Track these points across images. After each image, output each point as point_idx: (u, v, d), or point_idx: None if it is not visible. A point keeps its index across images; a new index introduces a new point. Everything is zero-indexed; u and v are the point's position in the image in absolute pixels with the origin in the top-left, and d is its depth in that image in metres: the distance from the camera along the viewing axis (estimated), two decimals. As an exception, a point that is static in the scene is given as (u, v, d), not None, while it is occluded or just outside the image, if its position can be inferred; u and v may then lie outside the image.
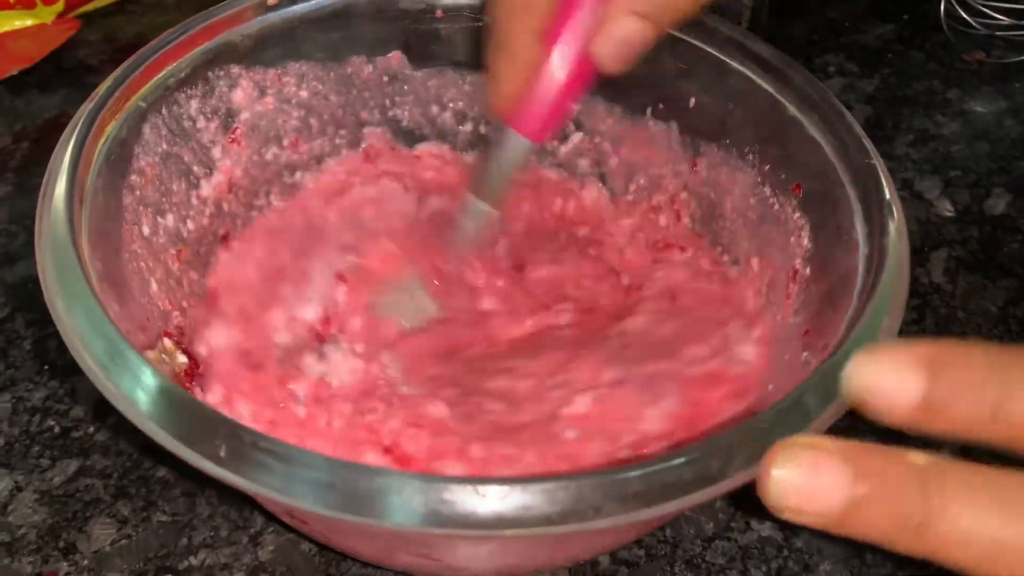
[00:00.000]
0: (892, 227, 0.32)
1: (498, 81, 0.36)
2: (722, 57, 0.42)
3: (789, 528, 0.42)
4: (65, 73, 0.65)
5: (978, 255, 0.56)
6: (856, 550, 0.42)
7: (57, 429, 0.44)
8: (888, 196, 0.33)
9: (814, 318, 0.35)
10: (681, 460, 0.25)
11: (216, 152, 0.43)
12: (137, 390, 0.26)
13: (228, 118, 0.44)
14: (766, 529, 0.42)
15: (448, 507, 0.23)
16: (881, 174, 0.34)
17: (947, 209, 0.59)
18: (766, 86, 0.41)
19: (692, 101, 0.45)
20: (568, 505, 0.24)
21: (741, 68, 0.42)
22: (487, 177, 0.39)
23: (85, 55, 0.67)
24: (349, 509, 0.24)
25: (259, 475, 0.24)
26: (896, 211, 0.33)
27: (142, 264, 0.36)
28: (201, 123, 0.42)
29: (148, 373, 0.26)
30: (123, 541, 0.40)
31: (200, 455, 0.25)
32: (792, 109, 0.39)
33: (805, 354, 0.33)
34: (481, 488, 0.23)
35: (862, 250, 0.33)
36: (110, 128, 0.36)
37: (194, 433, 0.25)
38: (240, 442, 0.24)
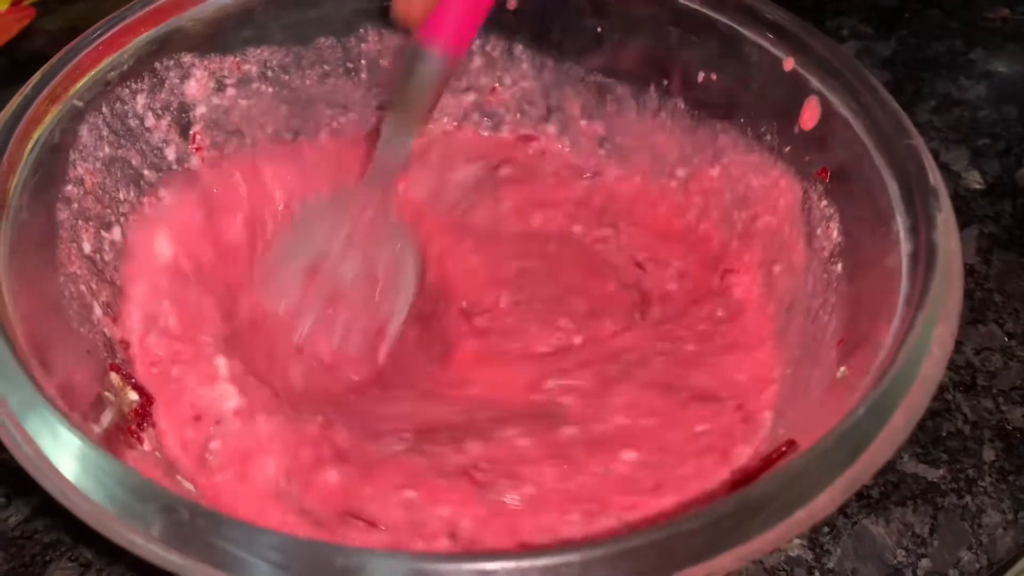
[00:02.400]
0: (939, 219, 0.28)
1: None
2: (732, 25, 0.38)
3: (820, 547, 0.38)
4: (21, 66, 0.61)
5: (1012, 231, 0.51)
6: (894, 570, 0.38)
7: (13, 463, 0.40)
8: (933, 182, 0.29)
9: (849, 325, 0.31)
10: (706, 521, 0.21)
11: (170, 153, 0.39)
12: (57, 451, 0.22)
13: (181, 114, 0.39)
14: (795, 549, 0.38)
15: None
16: (923, 156, 0.30)
17: (976, 181, 0.54)
18: (783, 56, 0.36)
19: (700, 75, 0.40)
20: (572, 583, 0.20)
21: (754, 36, 0.37)
22: (403, 97, 0.36)
23: (43, 46, 0.63)
24: (310, 595, 0.20)
25: (202, 556, 0.20)
26: (943, 199, 0.29)
27: (83, 287, 0.32)
28: (150, 121, 0.38)
29: (67, 433, 0.22)
30: (86, 588, 0.36)
31: (128, 532, 0.21)
32: (814, 81, 0.35)
33: (842, 368, 0.29)
34: (467, 567, 0.19)
35: (905, 246, 0.28)
36: (38, 132, 0.31)
37: (123, 505, 0.21)
38: (177, 517, 0.20)
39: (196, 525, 0.20)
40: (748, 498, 0.22)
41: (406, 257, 0.39)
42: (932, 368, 0.25)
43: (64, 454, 0.22)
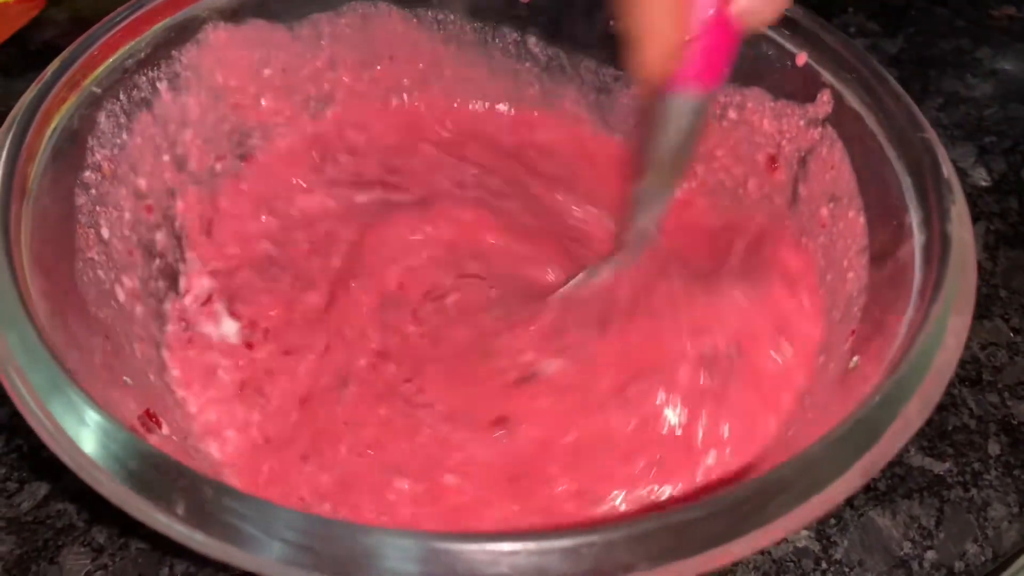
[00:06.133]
0: (953, 211, 0.28)
1: (650, 39, 0.28)
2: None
3: (827, 539, 0.38)
4: (30, 56, 0.61)
5: (1019, 228, 0.52)
6: (900, 561, 0.38)
7: (26, 448, 0.40)
8: (947, 174, 0.29)
9: (863, 316, 0.31)
10: (723, 505, 0.21)
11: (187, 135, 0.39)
12: (80, 431, 0.22)
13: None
14: (802, 540, 0.39)
15: (449, 571, 0.20)
16: (937, 149, 0.30)
17: (983, 178, 0.55)
18: (796, 50, 0.36)
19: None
20: (592, 565, 0.20)
21: (766, 30, 0.37)
22: (661, 154, 0.32)
23: (52, 36, 0.63)
24: (331, 573, 0.20)
25: (225, 535, 0.20)
26: (957, 192, 0.29)
27: (100, 273, 0.32)
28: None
29: (92, 413, 0.22)
30: (99, 572, 0.36)
31: (154, 511, 0.21)
32: (827, 75, 0.35)
33: (855, 358, 0.29)
34: (489, 547, 0.20)
35: (918, 238, 0.29)
36: (57, 119, 0.31)
37: (147, 484, 0.21)
38: (201, 497, 0.21)
39: (221, 504, 0.21)
40: (765, 483, 0.22)
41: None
42: (946, 358, 0.25)
43: (88, 434, 0.22)
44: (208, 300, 0.38)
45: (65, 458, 0.22)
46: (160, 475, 0.21)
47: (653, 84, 0.30)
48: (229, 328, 0.37)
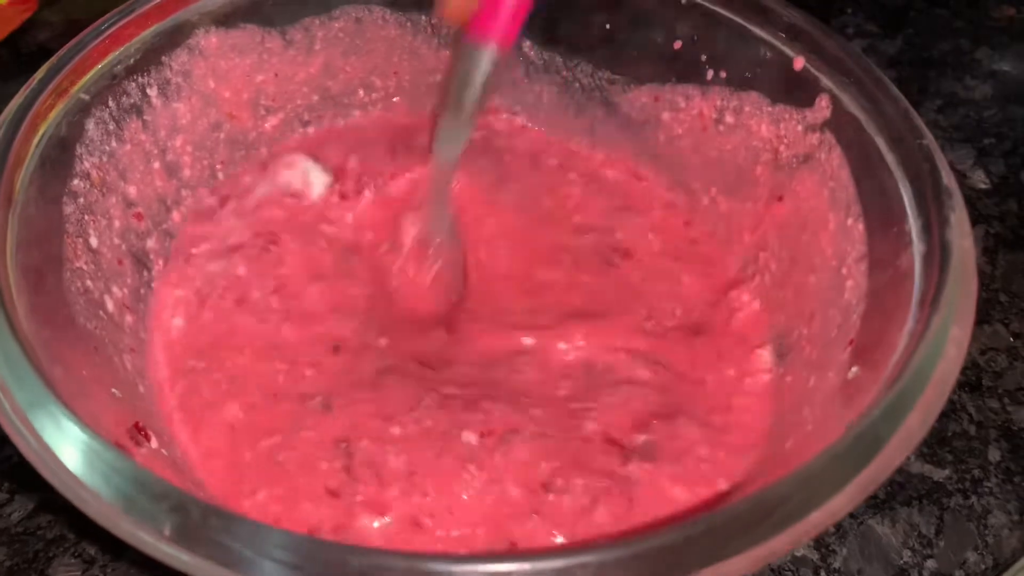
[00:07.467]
0: (953, 218, 0.28)
1: None
2: (742, 22, 0.38)
3: (826, 547, 0.38)
4: (23, 59, 0.61)
5: (1018, 231, 0.51)
6: (900, 570, 0.38)
7: (16, 459, 0.40)
8: (946, 182, 0.29)
9: (861, 326, 0.30)
10: (721, 522, 0.21)
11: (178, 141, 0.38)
12: (65, 449, 0.22)
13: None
14: (801, 549, 0.38)
15: (442, 593, 0.19)
16: (936, 156, 0.30)
17: (982, 181, 0.54)
18: (794, 55, 0.36)
19: (709, 74, 0.40)
20: (588, 585, 0.19)
21: (764, 35, 0.37)
22: (455, 95, 0.36)
23: (45, 38, 0.62)
24: (322, 595, 0.19)
25: (212, 555, 0.20)
26: (957, 199, 0.28)
27: (89, 283, 0.32)
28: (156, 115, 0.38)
29: (77, 430, 0.22)
30: (89, 584, 0.36)
31: (140, 531, 0.20)
32: (825, 80, 0.34)
33: (854, 368, 0.29)
34: (483, 568, 0.19)
35: (917, 247, 0.28)
36: (45, 126, 0.31)
37: (133, 504, 0.21)
38: (188, 516, 0.20)
39: (208, 524, 0.20)
40: (763, 499, 0.21)
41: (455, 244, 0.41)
42: (947, 369, 0.25)
43: (73, 451, 0.22)
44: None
45: (49, 476, 0.22)
46: (146, 494, 0.21)
47: (454, 28, 0.35)
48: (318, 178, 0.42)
